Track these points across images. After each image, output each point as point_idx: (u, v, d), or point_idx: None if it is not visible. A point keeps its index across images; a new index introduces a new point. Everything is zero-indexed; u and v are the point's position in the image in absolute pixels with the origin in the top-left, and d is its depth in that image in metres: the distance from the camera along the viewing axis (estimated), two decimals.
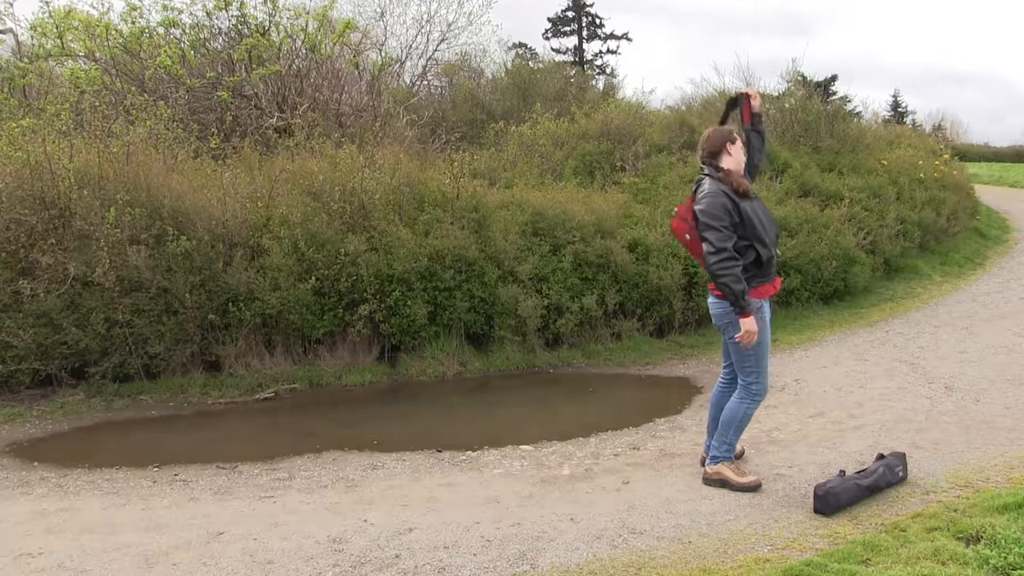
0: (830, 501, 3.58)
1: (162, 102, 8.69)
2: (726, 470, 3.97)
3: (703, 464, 4.31)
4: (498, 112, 13.89)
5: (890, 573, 2.90)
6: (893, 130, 17.14)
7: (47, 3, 9.91)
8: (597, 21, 31.29)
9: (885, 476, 3.80)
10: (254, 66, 10.10)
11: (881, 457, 3.92)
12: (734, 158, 3.81)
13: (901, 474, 3.88)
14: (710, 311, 3.94)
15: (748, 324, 3.62)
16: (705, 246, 3.63)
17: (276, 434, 5.54)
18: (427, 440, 5.12)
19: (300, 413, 6.07)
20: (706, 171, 3.81)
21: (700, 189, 3.75)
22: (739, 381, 3.96)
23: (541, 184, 9.34)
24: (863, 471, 3.81)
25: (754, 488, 3.90)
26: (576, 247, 7.77)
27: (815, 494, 3.64)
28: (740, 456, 4.38)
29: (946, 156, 14.66)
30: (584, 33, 31.37)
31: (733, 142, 3.83)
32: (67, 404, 6.09)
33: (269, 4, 10.39)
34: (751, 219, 3.66)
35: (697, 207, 3.69)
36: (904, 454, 4.00)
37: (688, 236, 3.79)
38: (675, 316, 8.02)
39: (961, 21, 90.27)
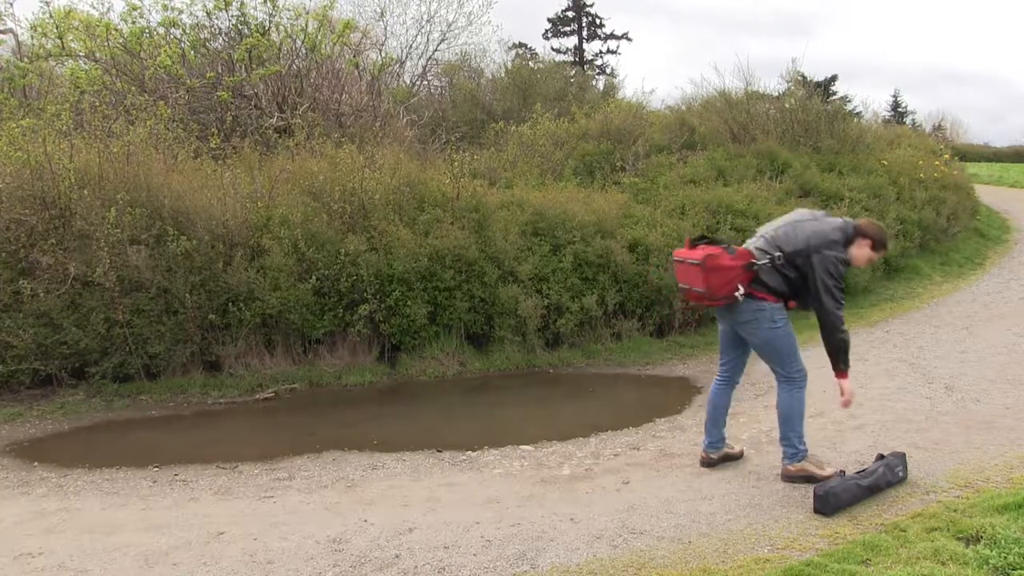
0: (830, 501, 3.58)
1: (162, 102, 8.70)
2: (809, 465, 3.94)
3: (704, 464, 4.31)
4: (498, 112, 13.89)
5: (890, 573, 2.90)
6: (893, 130, 17.14)
7: (47, 3, 9.93)
8: (597, 21, 31.29)
9: (885, 476, 3.80)
10: (254, 66, 10.10)
11: (881, 457, 3.92)
12: (858, 255, 3.86)
13: (901, 474, 3.88)
14: (737, 309, 3.84)
15: (848, 384, 3.84)
16: (827, 301, 3.69)
17: (276, 434, 5.54)
18: (427, 440, 5.12)
19: (300, 413, 6.07)
20: (843, 229, 3.83)
21: (827, 242, 3.72)
22: (780, 374, 3.97)
23: (541, 184, 9.34)
24: (863, 471, 3.81)
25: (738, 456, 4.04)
26: (576, 247, 7.76)
27: (815, 494, 3.63)
28: (739, 456, 4.39)
29: (946, 156, 14.66)
30: (584, 33, 31.37)
31: (876, 249, 3.89)
32: (67, 404, 6.09)
33: (269, 4, 10.40)
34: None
35: (818, 257, 3.69)
36: (904, 454, 4.00)
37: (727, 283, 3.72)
38: (675, 316, 8.02)
39: (961, 21, 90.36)
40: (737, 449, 4.41)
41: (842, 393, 3.85)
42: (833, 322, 3.72)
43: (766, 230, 3.96)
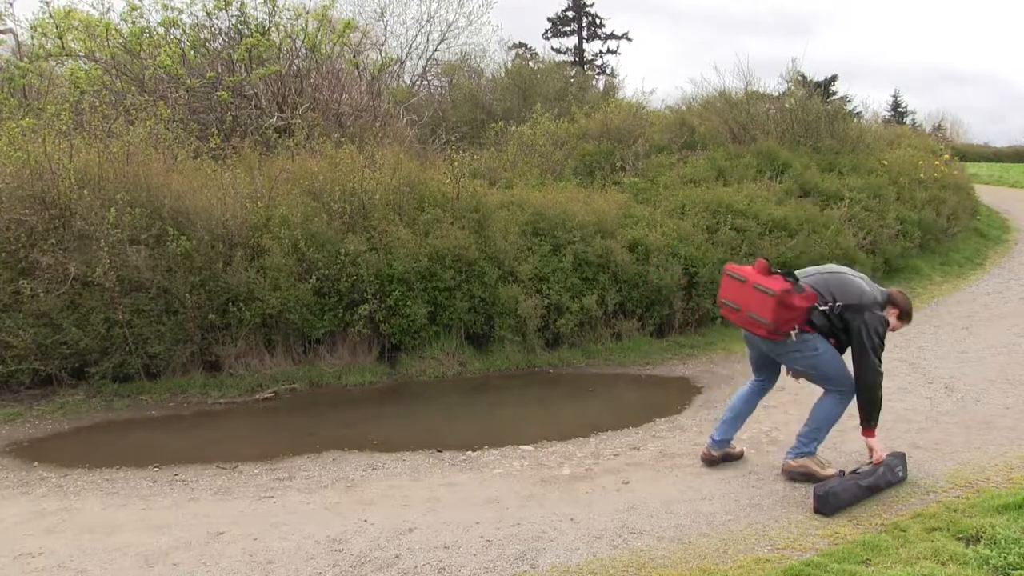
0: (830, 501, 3.58)
1: (162, 102, 8.70)
2: (812, 464, 3.98)
3: (706, 461, 4.30)
4: (498, 112, 13.90)
5: (890, 573, 2.90)
6: (893, 130, 17.14)
7: (47, 3, 9.93)
8: (597, 21, 31.31)
9: (885, 476, 3.80)
10: (254, 66, 10.10)
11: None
12: (894, 324, 3.95)
13: (901, 474, 3.88)
14: (781, 342, 3.82)
15: (876, 442, 3.89)
16: (876, 359, 3.76)
17: (276, 434, 5.54)
18: (427, 440, 5.12)
19: (300, 413, 6.07)
20: (881, 296, 3.92)
21: (871, 306, 3.79)
22: (831, 390, 3.98)
23: (541, 184, 9.34)
24: (862, 471, 3.81)
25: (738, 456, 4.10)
26: (576, 247, 7.76)
27: (815, 494, 3.64)
28: (739, 457, 4.39)
29: (946, 156, 14.66)
30: (584, 33, 31.38)
31: (901, 319, 3.98)
32: (67, 404, 6.09)
33: (269, 4, 10.40)
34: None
35: (870, 311, 3.77)
36: (904, 454, 4.00)
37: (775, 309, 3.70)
38: (675, 316, 8.02)
39: (961, 21, 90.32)
40: (738, 449, 4.42)
41: (871, 451, 3.87)
42: (873, 379, 3.79)
43: (809, 276, 3.94)
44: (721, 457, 4.32)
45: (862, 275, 4.03)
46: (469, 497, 4.05)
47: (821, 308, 3.78)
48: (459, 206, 7.75)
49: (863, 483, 3.71)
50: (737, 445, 4.44)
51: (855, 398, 3.90)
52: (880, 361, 3.79)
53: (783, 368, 4.22)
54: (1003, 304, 9.07)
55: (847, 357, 3.92)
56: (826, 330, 3.85)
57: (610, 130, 11.67)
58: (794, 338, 3.76)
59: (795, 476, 4.00)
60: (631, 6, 55.08)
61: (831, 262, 8.79)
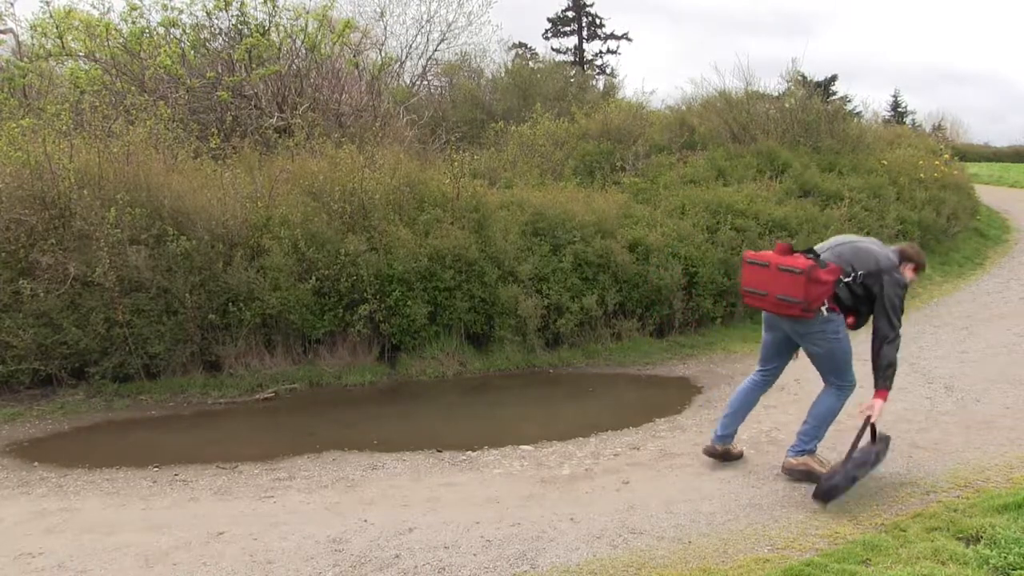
0: (832, 494, 3.61)
1: (162, 102, 8.70)
2: (812, 462, 3.99)
3: (708, 454, 4.30)
4: (498, 112, 13.90)
5: (890, 573, 2.90)
6: (893, 130, 17.13)
7: (47, 3, 9.92)
8: (597, 21, 31.29)
9: (875, 458, 3.84)
10: (254, 66, 10.10)
11: (874, 440, 3.92)
12: (907, 275, 3.98)
13: (881, 458, 3.92)
14: (806, 320, 3.84)
15: (882, 404, 3.82)
16: (893, 319, 3.79)
17: (276, 434, 5.54)
18: (427, 440, 5.12)
19: (300, 413, 6.07)
20: (895, 254, 3.97)
21: (889, 267, 3.84)
22: (833, 382, 4.04)
23: (541, 184, 9.34)
24: (857, 457, 3.81)
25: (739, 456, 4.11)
26: (576, 247, 7.76)
27: (818, 487, 3.66)
28: (739, 457, 4.39)
29: (946, 156, 14.65)
30: (584, 33, 31.37)
31: (917, 271, 4.09)
32: (67, 404, 6.09)
33: (269, 4, 10.40)
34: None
35: (890, 274, 3.81)
36: (888, 438, 4.03)
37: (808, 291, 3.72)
38: (675, 316, 8.02)
39: (961, 21, 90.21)
40: (738, 449, 4.42)
41: (872, 407, 3.83)
42: (893, 341, 3.81)
43: (825, 250, 3.97)
44: (723, 453, 4.32)
45: (873, 240, 4.08)
46: (469, 497, 4.05)
47: (845, 280, 3.83)
48: (459, 206, 7.75)
49: (859, 473, 3.74)
50: (738, 445, 4.44)
51: (874, 361, 3.88)
52: (900, 323, 3.82)
53: (789, 362, 4.27)
54: (1003, 304, 9.07)
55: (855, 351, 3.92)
56: (849, 303, 3.87)
57: (610, 130, 11.67)
58: (824, 313, 3.80)
59: (796, 474, 4.00)
60: (631, 6, 55.00)
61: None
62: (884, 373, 3.80)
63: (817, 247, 4.03)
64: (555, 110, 12.53)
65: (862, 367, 4.05)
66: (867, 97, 66.58)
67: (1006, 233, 13.82)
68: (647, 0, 56.83)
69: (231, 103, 9.61)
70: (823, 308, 3.78)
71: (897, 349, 3.82)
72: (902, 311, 3.84)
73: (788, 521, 3.53)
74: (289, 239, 6.87)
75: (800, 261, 3.74)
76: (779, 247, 3.88)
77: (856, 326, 3.97)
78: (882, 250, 3.95)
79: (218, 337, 6.70)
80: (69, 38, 10.06)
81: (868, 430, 3.84)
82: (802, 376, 6.34)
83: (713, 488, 3.99)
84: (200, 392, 6.40)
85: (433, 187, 7.97)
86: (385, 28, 15.47)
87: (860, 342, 4.04)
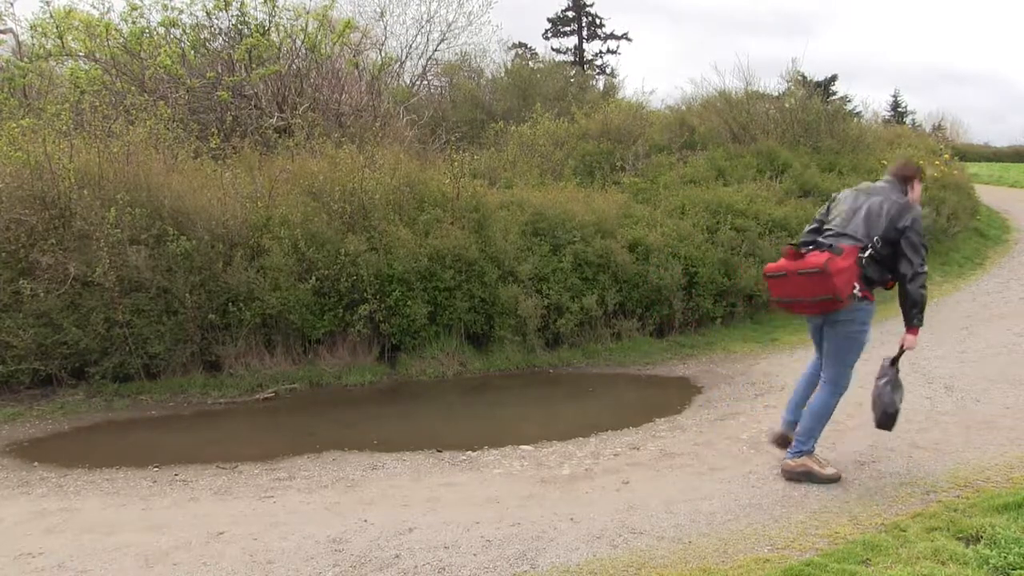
0: (896, 419, 3.92)
1: (162, 102, 8.70)
2: (810, 462, 3.99)
3: (777, 442, 4.24)
4: (498, 112, 13.90)
5: (890, 573, 2.90)
6: (893, 130, 17.14)
7: (47, 3, 9.93)
8: (597, 21, 31.26)
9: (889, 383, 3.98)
10: (254, 66, 10.10)
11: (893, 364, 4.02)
12: (916, 196, 4.01)
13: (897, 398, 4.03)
14: (851, 309, 3.85)
15: (916, 339, 3.93)
16: (915, 259, 3.79)
17: (276, 434, 5.54)
18: (427, 440, 5.12)
19: (300, 413, 6.07)
20: (896, 188, 3.95)
21: (900, 207, 3.83)
22: (830, 377, 4.01)
23: (541, 184, 9.34)
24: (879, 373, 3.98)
25: (836, 479, 3.97)
26: (576, 247, 7.76)
27: (884, 413, 3.89)
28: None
29: (946, 156, 14.65)
30: (584, 33, 31.35)
31: (921, 181, 4.09)
32: (67, 404, 6.09)
33: (269, 4, 10.40)
34: None
35: (906, 223, 3.79)
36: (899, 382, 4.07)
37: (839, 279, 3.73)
38: (675, 316, 8.02)
39: (961, 21, 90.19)
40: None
41: (904, 342, 3.91)
42: (911, 278, 3.79)
43: (838, 224, 3.95)
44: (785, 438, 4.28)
45: (873, 190, 3.99)
46: (469, 497, 4.05)
47: (866, 254, 3.81)
48: (459, 206, 7.75)
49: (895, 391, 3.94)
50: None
51: (902, 303, 3.90)
52: (922, 260, 3.81)
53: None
54: (1003, 304, 9.07)
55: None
56: (877, 276, 3.85)
57: (610, 130, 11.67)
58: (858, 293, 3.78)
59: (794, 476, 3.99)
60: (631, 6, 54.98)
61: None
62: (911, 313, 3.84)
63: (833, 218, 3.99)
64: (555, 110, 12.53)
65: (863, 366, 4.05)
66: (867, 97, 66.71)
67: (1006, 233, 13.81)
68: (647, 0, 56.81)
69: (231, 103, 9.61)
70: (856, 291, 3.78)
71: (922, 286, 3.81)
72: (924, 247, 3.83)
73: (788, 521, 3.52)
74: (289, 239, 6.87)
75: (815, 259, 3.75)
76: (788, 253, 3.87)
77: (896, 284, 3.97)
78: (886, 196, 3.89)
79: (218, 337, 6.70)
80: (69, 38, 10.07)
81: (898, 355, 3.99)
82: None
83: (713, 488, 3.99)
84: (200, 392, 6.40)
85: (433, 187, 7.97)
86: (385, 28, 15.49)
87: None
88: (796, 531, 3.41)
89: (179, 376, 6.56)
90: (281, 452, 4.93)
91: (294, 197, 7.37)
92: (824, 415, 4.02)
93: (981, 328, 7.86)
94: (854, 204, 3.95)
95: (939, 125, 35.17)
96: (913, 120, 35.12)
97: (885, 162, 12.32)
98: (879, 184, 4.04)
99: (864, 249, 3.80)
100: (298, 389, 6.57)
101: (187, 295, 6.43)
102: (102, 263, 6.18)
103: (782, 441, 4.24)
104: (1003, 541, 3.02)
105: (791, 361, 6.94)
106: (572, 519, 3.65)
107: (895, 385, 3.96)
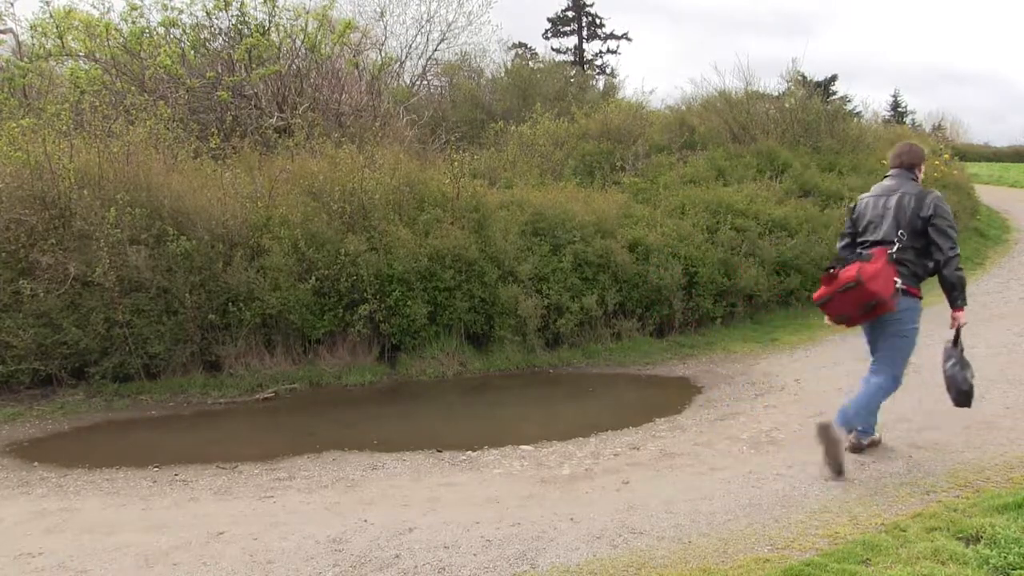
0: (972, 395, 4.01)
1: (162, 102, 8.70)
2: (875, 439, 4.31)
3: (854, 450, 4.29)
4: (498, 112, 13.90)
5: (890, 573, 2.90)
6: (893, 130, 17.16)
7: (47, 3, 9.93)
8: (597, 21, 31.26)
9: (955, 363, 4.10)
10: (254, 66, 10.11)
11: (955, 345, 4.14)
12: (923, 176, 4.21)
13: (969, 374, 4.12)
14: (897, 310, 3.96)
15: (964, 315, 4.09)
16: (945, 244, 3.92)
17: (276, 434, 5.54)
18: (427, 440, 5.12)
19: (300, 413, 6.07)
20: (907, 178, 4.10)
21: (918, 197, 3.97)
22: (886, 370, 4.13)
23: (541, 184, 9.34)
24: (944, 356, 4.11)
25: (877, 443, 4.35)
26: (576, 247, 7.76)
27: (960, 390, 4.02)
28: (879, 443, 4.42)
29: (946, 156, 14.65)
30: (584, 33, 31.34)
31: (925, 160, 4.27)
32: (67, 404, 6.09)
33: (269, 4, 10.40)
34: None
35: (929, 212, 3.92)
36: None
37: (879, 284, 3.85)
38: (675, 316, 8.02)
39: (961, 21, 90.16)
40: (878, 436, 4.46)
41: (957, 319, 4.07)
42: (945, 262, 3.93)
43: (871, 235, 4.08)
44: (868, 444, 4.36)
45: (880, 192, 4.12)
46: (469, 497, 4.04)
47: (894, 252, 3.93)
48: (459, 206, 7.75)
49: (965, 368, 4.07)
50: (878, 432, 4.46)
51: (943, 287, 4.04)
52: (953, 243, 3.93)
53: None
54: (1003, 304, 9.06)
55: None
56: (921, 270, 3.99)
57: (610, 130, 11.67)
58: (900, 286, 3.90)
59: (864, 450, 4.25)
60: (631, 6, 55.01)
61: (830, 260, 8.88)
62: (952, 295, 4.01)
63: (865, 222, 4.12)
64: (555, 110, 12.53)
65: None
66: (867, 97, 66.73)
67: (1006, 233, 13.81)
68: (647, 0, 56.79)
69: (231, 103, 9.61)
70: (898, 288, 3.90)
71: (957, 268, 3.94)
72: (953, 228, 3.95)
73: (788, 521, 3.52)
74: (289, 239, 6.87)
75: (847, 274, 3.88)
76: (823, 279, 4.04)
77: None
78: (906, 189, 4.01)
79: (218, 337, 6.70)
80: (69, 38, 10.07)
81: (956, 336, 4.13)
82: (802, 376, 6.36)
83: (713, 488, 3.99)
84: (200, 392, 6.40)
85: (433, 187, 7.97)
86: (385, 28, 15.50)
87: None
88: (796, 531, 3.41)
89: (179, 376, 6.56)
90: (281, 452, 4.93)
91: (294, 197, 7.37)
92: (876, 398, 4.14)
93: (981, 328, 7.85)
94: (879, 210, 4.09)
95: (939, 125, 35.19)
96: (913, 120, 35.15)
97: (884, 162, 12.33)
98: (889, 181, 4.15)
99: (892, 246, 3.94)
100: (298, 389, 6.57)
101: (187, 295, 6.43)
102: (102, 263, 6.18)
103: (863, 449, 4.34)
104: (1003, 541, 3.02)
105: (791, 361, 6.94)
106: (572, 519, 3.65)
107: (963, 364, 4.09)
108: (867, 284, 3.80)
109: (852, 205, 4.33)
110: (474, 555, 3.29)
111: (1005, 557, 2.90)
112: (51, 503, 4.13)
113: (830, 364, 6.66)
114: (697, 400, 5.99)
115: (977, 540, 3.12)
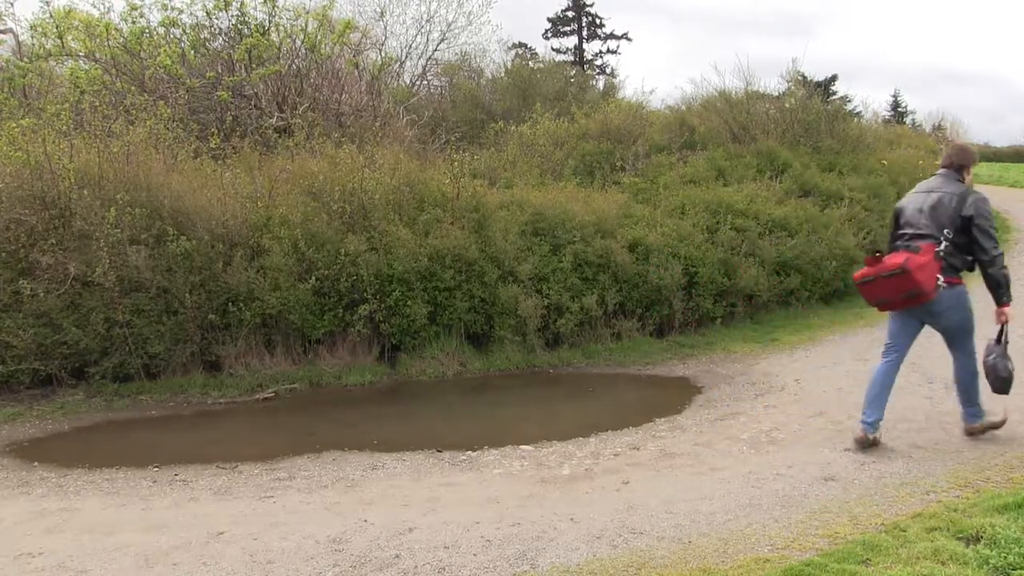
0: (1007, 383, 4.15)
1: (162, 102, 8.70)
2: (986, 423, 4.44)
3: (862, 445, 4.35)
4: (498, 112, 13.89)
5: (890, 573, 2.90)
6: (893, 130, 17.18)
7: (47, 3, 9.93)
8: (597, 21, 31.25)
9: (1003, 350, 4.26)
10: (254, 66, 10.11)
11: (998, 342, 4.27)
12: (969, 179, 4.35)
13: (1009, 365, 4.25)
14: (937, 299, 4.11)
15: (1011, 310, 4.23)
16: (988, 244, 4.11)
17: (276, 434, 5.54)
18: (427, 440, 5.11)
19: (300, 413, 6.07)
20: (953, 179, 4.27)
21: (960, 197, 4.15)
22: (961, 352, 4.38)
23: (541, 184, 9.34)
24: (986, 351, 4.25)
25: (1004, 422, 4.48)
26: (576, 247, 7.76)
27: (998, 377, 4.16)
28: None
29: None
30: (584, 33, 31.33)
31: (976, 163, 4.44)
32: (67, 404, 6.09)
33: (269, 4, 10.40)
34: None
35: (971, 212, 4.11)
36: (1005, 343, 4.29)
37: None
38: (675, 316, 8.02)
39: (961, 21, 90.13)
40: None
41: (1003, 315, 4.21)
42: (988, 262, 4.11)
43: (912, 228, 4.22)
44: (873, 441, 4.38)
45: (923, 189, 4.31)
46: (469, 497, 4.05)
47: (943, 248, 4.08)
48: (459, 206, 7.75)
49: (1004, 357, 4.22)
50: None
51: (988, 285, 4.19)
52: (994, 242, 4.12)
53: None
54: None
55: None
56: (962, 264, 4.16)
57: (610, 130, 11.67)
58: (942, 284, 4.06)
59: (978, 433, 4.43)
60: (631, 6, 54.98)
61: (832, 261, 8.92)
62: (997, 292, 4.16)
63: (907, 222, 4.25)
64: (555, 110, 12.53)
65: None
66: (867, 97, 66.61)
67: (1006, 233, 13.81)
68: (647, 0, 56.78)
69: (231, 103, 9.61)
70: (940, 283, 4.06)
71: (1002, 267, 4.11)
72: (994, 228, 4.17)
73: (788, 521, 3.52)
74: (289, 239, 6.87)
75: (894, 260, 4.08)
76: (868, 261, 4.18)
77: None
78: (947, 192, 4.16)
79: (218, 337, 6.70)
80: (69, 38, 10.07)
81: (1001, 331, 4.26)
82: (802, 376, 6.35)
83: (713, 488, 3.99)
84: (200, 392, 6.40)
85: (433, 187, 7.97)
86: (385, 28, 15.49)
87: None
88: (796, 531, 3.41)
89: (179, 376, 6.56)
90: (281, 452, 4.94)
91: (294, 197, 7.37)
92: (973, 380, 4.38)
93: (981, 328, 7.85)
94: (920, 205, 4.24)
95: (939, 125, 35.13)
96: (913, 120, 35.11)
97: (885, 162, 12.34)
98: (934, 180, 4.32)
99: (939, 243, 4.08)
100: (298, 389, 6.57)
101: (187, 295, 6.43)
102: (102, 263, 6.18)
103: (869, 445, 4.37)
104: (1003, 541, 3.02)
105: (791, 361, 6.94)
106: (572, 519, 3.65)
107: (1004, 357, 4.24)
108: (913, 273, 3.98)
109: (896, 206, 4.48)
110: (474, 555, 3.29)
111: (1005, 557, 2.90)
112: (51, 503, 4.13)
113: (830, 364, 6.66)
114: (697, 400, 5.99)
115: (977, 540, 3.12)
